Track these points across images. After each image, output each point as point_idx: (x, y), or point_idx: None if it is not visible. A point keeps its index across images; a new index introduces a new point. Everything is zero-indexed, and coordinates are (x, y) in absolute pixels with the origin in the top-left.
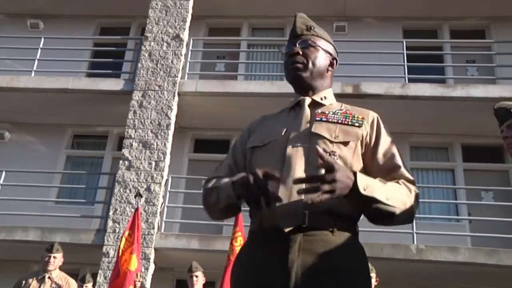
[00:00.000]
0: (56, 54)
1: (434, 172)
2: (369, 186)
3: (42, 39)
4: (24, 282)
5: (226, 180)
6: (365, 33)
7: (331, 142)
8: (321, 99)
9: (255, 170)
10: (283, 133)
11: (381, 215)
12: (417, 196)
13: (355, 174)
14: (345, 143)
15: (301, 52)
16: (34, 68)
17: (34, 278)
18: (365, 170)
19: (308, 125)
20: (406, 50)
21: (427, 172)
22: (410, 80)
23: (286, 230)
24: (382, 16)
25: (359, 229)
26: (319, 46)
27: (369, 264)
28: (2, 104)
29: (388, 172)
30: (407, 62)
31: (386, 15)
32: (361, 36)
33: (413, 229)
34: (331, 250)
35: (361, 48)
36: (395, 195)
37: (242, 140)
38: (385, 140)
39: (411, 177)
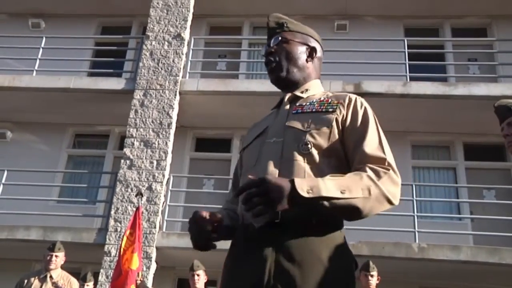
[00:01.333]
0: (57, 53)
1: (435, 170)
2: (314, 186)
3: (44, 38)
4: (26, 281)
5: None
6: (366, 31)
7: (303, 132)
8: (302, 92)
9: (197, 214)
10: (263, 132)
11: (343, 211)
12: (389, 176)
13: (292, 181)
14: (317, 131)
15: (273, 50)
16: (36, 68)
17: (36, 277)
18: (346, 155)
19: (285, 119)
20: (408, 48)
21: (429, 170)
22: (412, 79)
23: (257, 226)
24: (383, 15)
25: (362, 227)
26: (292, 40)
27: (371, 263)
28: (4, 103)
29: (357, 154)
30: (409, 60)
31: (387, 14)
32: (362, 35)
33: (415, 228)
34: (307, 246)
35: (362, 46)
36: (353, 185)
37: (240, 152)
38: (359, 120)
39: (380, 155)
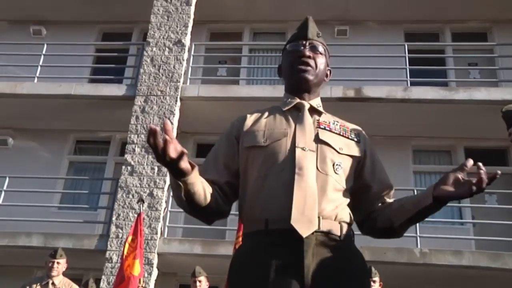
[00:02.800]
0: (58, 60)
1: (437, 175)
2: None
3: (45, 45)
4: (28, 287)
5: None
6: (367, 36)
7: (337, 152)
8: (317, 106)
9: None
10: (287, 135)
11: (401, 230)
12: None
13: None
14: (351, 157)
15: (312, 57)
16: (37, 74)
17: (38, 284)
18: (354, 184)
19: (313, 130)
20: (408, 53)
21: (430, 175)
22: (412, 84)
23: (305, 235)
24: (383, 20)
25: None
26: (325, 55)
27: (373, 268)
28: (5, 110)
29: (387, 190)
30: (409, 65)
31: (387, 19)
32: (362, 40)
33: (416, 233)
34: (341, 254)
35: (363, 51)
36: None
37: (229, 141)
38: (378, 160)
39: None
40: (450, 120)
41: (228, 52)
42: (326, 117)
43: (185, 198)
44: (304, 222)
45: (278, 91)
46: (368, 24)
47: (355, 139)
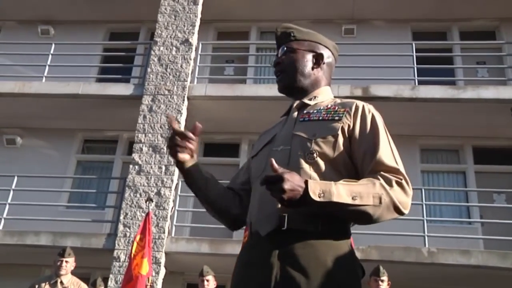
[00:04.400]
0: (66, 59)
1: (445, 174)
2: (326, 191)
3: (53, 45)
4: (37, 286)
5: None
6: (374, 35)
7: (309, 140)
8: (310, 99)
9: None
10: (271, 139)
11: (354, 217)
12: (401, 185)
13: (306, 182)
14: (323, 139)
15: (280, 61)
16: (45, 74)
17: (47, 283)
18: (353, 164)
19: (292, 127)
20: (416, 52)
21: (438, 174)
22: (420, 82)
23: (263, 234)
24: (391, 19)
25: (372, 232)
26: (299, 49)
27: (381, 267)
28: (13, 109)
29: (369, 162)
30: (417, 64)
31: (395, 17)
32: (370, 39)
33: (424, 232)
34: (312, 252)
35: (370, 50)
36: (365, 192)
37: (248, 159)
38: (367, 128)
39: (393, 165)
40: (458, 119)
41: (235, 51)
42: (314, 107)
43: (189, 183)
44: (264, 221)
45: None
46: (375, 23)
47: (336, 117)
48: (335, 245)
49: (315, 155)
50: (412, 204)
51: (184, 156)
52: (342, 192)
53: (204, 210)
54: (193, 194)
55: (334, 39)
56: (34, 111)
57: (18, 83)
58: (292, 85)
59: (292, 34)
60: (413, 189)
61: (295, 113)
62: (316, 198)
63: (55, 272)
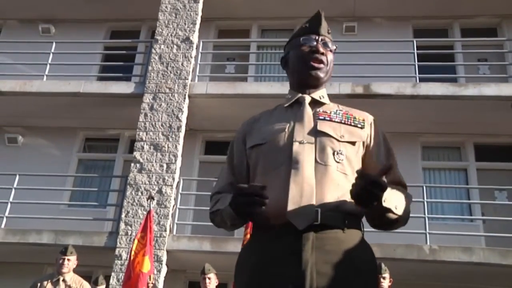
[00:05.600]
0: (67, 58)
1: (446, 172)
2: (387, 197)
3: (54, 43)
4: (39, 284)
5: (225, 198)
6: (375, 33)
7: (337, 141)
8: (320, 97)
9: (238, 186)
10: (285, 130)
11: (386, 223)
12: (410, 200)
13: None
14: (352, 143)
15: (325, 54)
16: (46, 73)
17: (49, 281)
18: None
19: (312, 123)
20: (417, 49)
21: (439, 172)
22: (421, 80)
23: (301, 228)
24: (392, 16)
25: (373, 230)
26: (333, 52)
27: (383, 265)
28: (15, 108)
29: (389, 176)
30: (418, 61)
31: (396, 15)
32: (371, 36)
33: (426, 230)
34: (343, 248)
35: (371, 48)
36: (401, 204)
37: (237, 145)
38: (385, 144)
39: (404, 181)
40: (460, 116)
41: (236, 49)
42: (328, 107)
43: (233, 225)
44: (300, 215)
45: (286, 88)
46: (376, 20)
47: (359, 125)
48: (359, 240)
49: (343, 156)
50: (413, 201)
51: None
52: (394, 200)
53: (206, 208)
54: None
55: (335, 36)
56: (35, 110)
57: (19, 82)
58: (322, 81)
59: (329, 32)
60: (414, 186)
61: (308, 109)
62: (383, 203)
63: (57, 270)
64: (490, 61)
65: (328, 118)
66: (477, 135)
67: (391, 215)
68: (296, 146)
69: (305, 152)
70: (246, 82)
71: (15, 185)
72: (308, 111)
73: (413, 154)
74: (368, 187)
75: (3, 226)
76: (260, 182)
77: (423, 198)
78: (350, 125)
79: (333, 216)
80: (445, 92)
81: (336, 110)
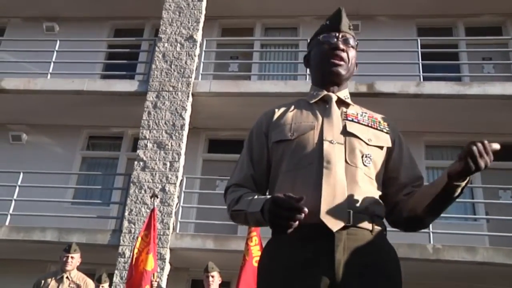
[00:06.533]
0: (71, 56)
1: None
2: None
3: (58, 41)
4: (43, 281)
5: (248, 197)
6: (379, 31)
7: (366, 144)
8: (345, 97)
9: (276, 197)
10: (315, 128)
11: (428, 218)
12: None
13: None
14: (380, 148)
15: (345, 50)
16: (50, 71)
17: (53, 278)
18: (384, 175)
19: (340, 123)
20: (421, 48)
21: (443, 171)
22: (425, 79)
23: (335, 230)
24: (396, 14)
25: None
26: (355, 48)
27: None
28: (19, 106)
29: (415, 180)
30: (422, 60)
31: (400, 13)
32: (375, 35)
33: (429, 229)
34: (372, 248)
35: (375, 46)
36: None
37: (258, 137)
38: (405, 148)
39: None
40: (464, 116)
41: (239, 47)
42: (354, 109)
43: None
44: (333, 216)
45: (290, 86)
46: (380, 18)
47: (384, 130)
48: (385, 240)
49: (370, 159)
50: None
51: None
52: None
53: (209, 206)
54: (197, 191)
55: None
56: (39, 108)
57: (23, 79)
58: (344, 78)
59: (351, 28)
60: None
61: (336, 108)
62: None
63: (61, 267)
64: (495, 60)
65: (356, 120)
66: (481, 134)
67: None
68: (326, 145)
69: (336, 153)
70: (250, 81)
71: (19, 183)
72: (336, 110)
73: (417, 153)
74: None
75: (7, 223)
76: (288, 180)
77: None
78: (377, 129)
79: (363, 217)
80: (449, 91)
81: (362, 113)
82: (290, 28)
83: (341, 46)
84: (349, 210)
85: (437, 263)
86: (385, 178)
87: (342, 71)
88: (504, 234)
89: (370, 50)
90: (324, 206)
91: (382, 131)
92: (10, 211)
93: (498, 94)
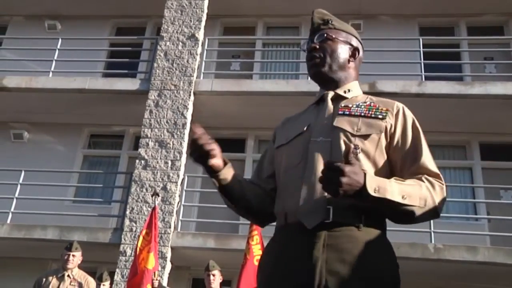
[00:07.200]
0: (73, 54)
1: (451, 170)
2: (381, 187)
3: (60, 40)
4: (44, 280)
5: None
6: (381, 31)
7: (353, 135)
8: (345, 92)
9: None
10: (305, 128)
11: (399, 215)
12: (442, 190)
13: (365, 175)
14: (367, 136)
15: (318, 47)
16: (52, 69)
17: (54, 276)
18: (390, 163)
19: (330, 119)
20: (423, 47)
21: (445, 170)
22: (427, 78)
23: (310, 227)
24: (397, 14)
25: None
26: (337, 39)
27: None
28: (20, 104)
29: (411, 165)
30: (424, 59)
31: (401, 13)
32: (376, 34)
33: (430, 228)
34: (357, 246)
35: (377, 46)
36: (413, 193)
37: (270, 145)
38: (409, 132)
39: (435, 170)
40: (465, 115)
41: (241, 46)
42: (351, 101)
43: (223, 196)
44: (310, 213)
45: (291, 85)
46: (382, 18)
47: (380, 116)
48: (377, 238)
49: (358, 150)
50: None
51: (218, 162)
52: (395, 190)
53: (210, 205)
54: (198, 189)
55: None
56: (41, 106)
57: (25, 78)
58: (328, 74)
59: (330, 22)
60: None
61: (331, 105)
62: (372, 193)
63: (62, 266)
64: (497, 60)
65: (347, 112)
66: (482, 134)
67: (399, 207)
68: (311, 144)
69: (319, 150)
70: (251, 80)
71: (20, 181)
72: (329, 107)
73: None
74: (324, 174)
75: (8, 221)
76: (281, 182)
77: None
78: (371, 117)
79: (347, 213)
80: (451, 90)
81: (359, 103)
82: (292, 27)
83: (313, 45)
84: (329, 206)
85: (438, 262)
86: (391, 166)
87: (320, 68)
88: (505, 234)
89: (372, 49)
90: (302, 204)
91: (377, 117)
92: (12, 209)
93: (499, 94)
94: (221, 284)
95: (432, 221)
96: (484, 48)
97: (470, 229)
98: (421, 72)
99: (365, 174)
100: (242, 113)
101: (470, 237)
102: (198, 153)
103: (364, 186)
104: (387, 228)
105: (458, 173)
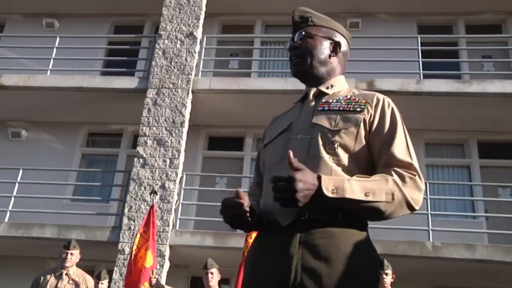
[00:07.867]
0: (71, 53)
1: (449, 169)
2: (339, 187)
3: (58, 38)
4: (42, 278)
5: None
6: (379, 29)
7: (330, 131)
8: (327, 88)
9: (223, 199)
10: (287, 126)
11: (364, 212)
12: (414, 181)
13: (319, 178)
14: (344, 130)
15: (297, 46)
16: (50, 67)
17: (52, 275)
18: (372, 156)
19: (310, 116)
20: (421, 45)
21: (443, 169)
22: (425, 76)
23: (284, 224)
24: (396, 12)
25: (376, 226)
26: (316, 35)
27: (385, 261)
28: (18, 102)
29: (382, 156)
30: (422, 58)
31: (400, 11)
32: (375, 32)
33: (428, 226)
34: (333, 242)
35: (375, 44)
36: (377, 188)
37: (261, 147)
38: (387, 121)
39: (406, 160)
40: (463, 113)
41: (240, 44)
42: (332, 96)
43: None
44: (286, 211)
45: (289, 83)
46: (381, 16)
47: (358, 109)
48: (356, 235)
49: (336, 145)
50: None
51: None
52: (355, 188)
53: (208, 203)
54: (197, 187)
55: None
56: (39, 104)
57: (23, 76)
58: (308, 71)
59: (310, 19)
60: None
61: (312, 101)
62: (329, 194)
63: (60, 264)
64: (495, 58)
65: (327, 108)
66: (480, 132)
67: (363, 205)
68: (290, 143)
69: (298, 148)
70: (250, 78)
71: (18, 179)
72: (311, 104)
73: (417, 150)
74: (275, 188)
75: (6, 220)
76: (265, 180)
77: (426, 195)
78: (349, 111)
79: (325, 210)
80: (449, 88)
81: (340, 98)
82: (290, 26)
83: (293, 45)
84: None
85: (436, 260)
86: (373, 158)
87: (301, 67)
88: (503, 232)
89: (370, 47)
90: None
91: (355, 111)
92: (10, 208)
93: (498, 92)
94: (220, 282)
95: (430, 219)
96: (482, 46)
97: (468, 227)
98: (420, 70)
99: (320, 176)
100: (241, 111)
101: (468, 235)
102: (236, 221)
103: (320, 188)
104: (387, 227)
105: (456, 171)
